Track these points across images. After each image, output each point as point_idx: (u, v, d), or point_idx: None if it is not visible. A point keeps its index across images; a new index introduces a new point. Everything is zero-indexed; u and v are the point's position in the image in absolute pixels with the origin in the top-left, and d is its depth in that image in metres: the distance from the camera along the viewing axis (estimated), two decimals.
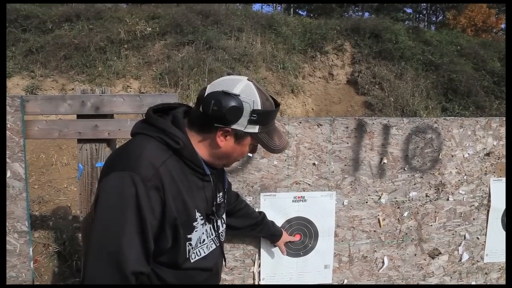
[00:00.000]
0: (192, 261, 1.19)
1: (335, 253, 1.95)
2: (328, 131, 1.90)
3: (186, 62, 6.79)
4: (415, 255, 2.05)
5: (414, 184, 2.00)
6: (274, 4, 27.99)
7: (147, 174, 1.02)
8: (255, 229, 1.71)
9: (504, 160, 2.13)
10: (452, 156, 2.04)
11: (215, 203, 1.24)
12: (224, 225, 1.38)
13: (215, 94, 1.08)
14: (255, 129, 1.13)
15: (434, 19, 33.97)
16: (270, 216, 1.81)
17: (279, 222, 1.86)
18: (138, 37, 7.60)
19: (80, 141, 2.16)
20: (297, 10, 28.68)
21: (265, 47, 7.70)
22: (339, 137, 1.91)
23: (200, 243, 1.21)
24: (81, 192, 2.20)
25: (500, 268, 2.18)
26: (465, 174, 2.08)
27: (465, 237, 2.12)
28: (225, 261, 1.42)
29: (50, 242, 3.44)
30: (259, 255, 1.89)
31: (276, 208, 1.87)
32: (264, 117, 1.13)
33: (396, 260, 2.03)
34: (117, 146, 1.88)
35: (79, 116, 2.17)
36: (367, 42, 8.13)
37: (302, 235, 1.91)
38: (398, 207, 1.99)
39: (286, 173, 1.89)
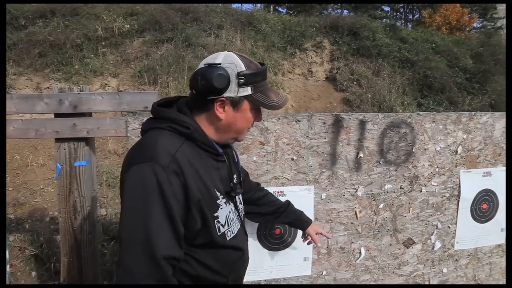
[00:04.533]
0: (228, 239, 1.23)
1: (314, 245, 2.00)
2: (306, 126, 1.93)
3: (165, 60, 6.74)
4: (391, 245, 2.13)
5: (389, 177, 2.07)
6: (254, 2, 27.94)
7: (165, 161, 1.06)
8: (280, 216, 1.69)
9: (473, 152, 2.23)
10: (425, 149, 2.13)
11: (232, 181, 1.29)
12: (242, 206, 1.41)
13: (200, 70, 1.15)
14: (247, 91, 1.16)
15: (411, 17, 34.58)
16: None
17: None
18: (116, 34, 7.49)
19: (58, 140, 2.14)
20: (277, 8, 28.70)
21: (244, 44, 7.72)
22: (316, 133, 1.95)
23: (231, 221, 1.25)
24: (59, 192, 2.18)
25: (468, 255, 2.29)
26: (437, 167, 2.16)
27: (437, 226, 2.22)
28: (247, 240, 1.42)
29: (26, 245, 3.37)
30: None
31: None
32: (252, 77, 1.16)
33: (373, 250, 2.10)
34: (96, 145, 1.88)
35: (57, 115, 2.15)
36: (346, 39, 8.25)
37: (282, 229, 1.96)
38: (374, 199, 2.06)
39: (265, 168, 1.92)
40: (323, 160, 1.99)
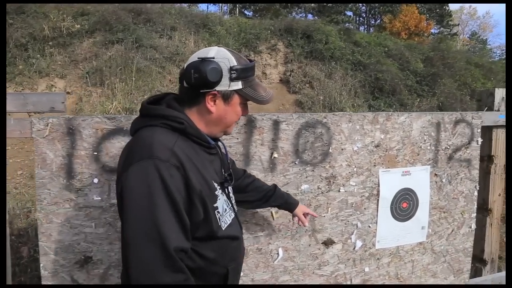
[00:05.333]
0: (223, 228, 1.24)
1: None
2: None
3: (114, 61, 6.57)
4: (310, 245, 2.13)
5: (306, 177, 2.07)
6: (220, 4, 27.93)
7: (165, 156, 1.07)
8: (268, 200, 1.73)
9: (392, 152, 2.28)
10: (342, 149, 2.15)
11: (225, 172, 1.33)
12: (232, 195, 1.43)
13: (193, 64, 1.17)
14: (238, 85, 1.19)
15: (373, 22, 35.66)
16: None
17: None
18: (64, 34, 7.22)
19: None
20: (243, 10, 28.78)
21: (198, 46, 7.65)
22: None
23: (225, 211, 1.27)
24: None
25: (390, 253, 2.33)
26: (355, 166, 2.19)
27: (357, 226, 2.24)
28: (241, 228, 1.44)
29: None
30: None
31: None
32: (243, 72, 1.19)
33: (291, 251, 2.09)
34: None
35: None
36: (299, 42, 8.36)
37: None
38: None
39: None
40: (236, 160, 1.97)
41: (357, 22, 36.42)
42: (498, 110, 2.68)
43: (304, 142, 2.04)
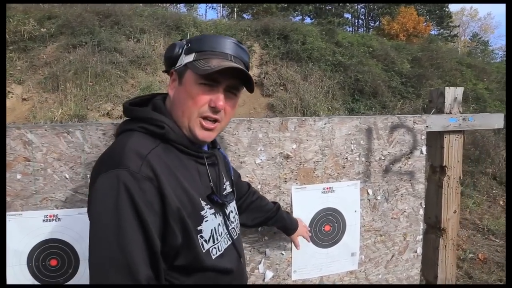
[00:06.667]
0: (213, 257, 1.03)
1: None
2: (80, 138, 1.57)
3: (72, 65, 6.21)
4: None
5: None
6: (219, 9, 27.86)
7: (135, 166, 0.90)
8: (266, 222, 1.58)
9: (308, 165, 1.89)
10: (241, 162, 1.75)
11: (222, 189, 1.12)
12: (237, 217, 1.24)
13: None
14: (190, 58, 0.99)
15: (372, 24, 35.51)
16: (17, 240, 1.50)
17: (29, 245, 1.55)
18: (26, 39, 6.87)
19: None
20: (241, 14, 28.56)
21: None
22: (94, 145, 1.58)
23: (219, 236, 1.07)
24: None
25: (311, 285, 1.94)
26: (259, 183, 1.80)
27: (265, 253, 1.85)
28: (242, 258, 1.20)
29: None
30: None
31: (23, 229, 1.55)
32: (199, 42, 1.00)
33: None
34: None
35: None
36: (276, 43, 7.99)
37: (59, 260, 1.58)
38: None
39: (33, 188, 1.55)
40: None
41: (356, 24, 36.28)
42: (450, 113, 2.28)
43: None
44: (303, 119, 1.85)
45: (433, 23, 29.55)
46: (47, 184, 1.55)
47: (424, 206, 2.15)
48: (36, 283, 1.57)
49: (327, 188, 1.93)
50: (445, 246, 2.33)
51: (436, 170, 2.31)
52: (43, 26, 7.31)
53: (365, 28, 34.28)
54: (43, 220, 1.55)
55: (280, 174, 1.83)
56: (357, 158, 1.96)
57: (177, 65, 1.02)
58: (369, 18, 36.27)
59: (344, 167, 1.95)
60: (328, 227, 1.95)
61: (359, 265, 2.02)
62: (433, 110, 2.24)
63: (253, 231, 1.81)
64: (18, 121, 5.40)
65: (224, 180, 1.17)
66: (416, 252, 2.15)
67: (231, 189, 1.19)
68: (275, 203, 1.63)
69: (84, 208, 1.57)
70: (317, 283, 1.96)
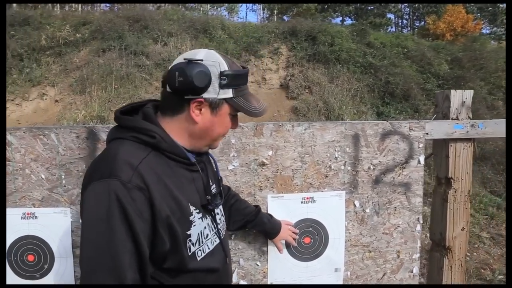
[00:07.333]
0: (198, 259, 1.09)
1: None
2: (55, 141, 1.63)
3: (100, 69, 6.43)
4: None
5: None
6: (259, 11, 28.08)
7: (126, 176, 0.93)
8: (246, 226, 1.58)
9: (286, 173, 1.77)
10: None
11: (210, 192, 1.15)
12: (223, 218, 1.30)
13: (178, 65, 1.01)
14: (229, 93, 1.04)
15: (417, 24, 34.25)
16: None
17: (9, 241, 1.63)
18: (61, 44, 7.21)
19: None
20: (281, 16, 28.55)
21: None
22: (68, 147, 1.63)
23: (205, 238, 1.12)
24: None
25: None
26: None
27: (239, 263, 1.76)
28: (228, 258, 1.26)
29: None
30: None
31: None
32: (235, 78, 1.04)
33: None
34: None
35: None
36: (303, 45, 7.81)
37: (36, 256, 1.66)
38: None
39: (13, 187, 1.65)
40: (78, 179, 1.62)
41: (400, 24, 35.15)
42: (457, 118, 2.07)
43: None
44: (280, 124, 1.74)
45: (484, 21, 27.90)
46: (25, 183, 1.63)
47: (421, 222, 1.96)
48: (16, 277, 1.65)
49: (307, 198, 1.80)
50: (451, 267, 2.11)
51: (441, 182, 2.10)
52: (78, 31, 7.63)
53: (409, 28, 33.09)
54: (21, 217, 1.64)
55: (255, 181, 1.73)
56: (342, 167, 1.82)
57: (209, 96, 1.03)
58: (414, 17, 34.94)
59: (327, 176, 1.82)
60: (308, 239, 1.82)
61: (344, 281, 1.88)
62: (435, 116, 2.04)
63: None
64: (50, 121, 5.68)
65: (211, 183, 1.20)
66: (412, 272, 1.97)
67: (217, 190, 1.22)
68: (256, 206, 1.61)
69: (59, 208, 1.66)
70: None
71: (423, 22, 31.73)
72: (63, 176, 1.63)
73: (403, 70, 7.85)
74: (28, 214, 1.65)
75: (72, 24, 7.87)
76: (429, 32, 23.12)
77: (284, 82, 7.51)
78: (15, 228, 1.64)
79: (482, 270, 3.64)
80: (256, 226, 1.60)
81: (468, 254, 3.98)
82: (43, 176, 1.63)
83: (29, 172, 1.63)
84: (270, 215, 1.66)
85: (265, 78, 7.57)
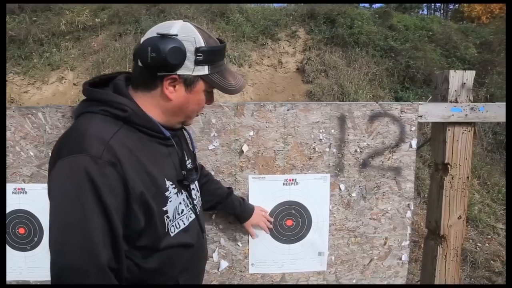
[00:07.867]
0: (172, 234, 1.07)
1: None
2: (42, 119, 1.68)
3: (116, 53, 6.51)
4: None
5: None
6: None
7: (97, 151, 0.90)
8: (216, 207, 1.57)
9: (268, 154, 1.74)
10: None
11: (185, 167, 1.14)
12: (198, 194, 1.29)
13: (150, 40, 0.98)
14: (204, 70, 1.03)
15: (451, 7, 32.70)
16: None
17: None
18: (80, 29, 7.34)
19: None
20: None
21: None
22: (55, 126, 1.67)
23: (178, 214, 1.10)
24: None
25: (272, 281, 1.81)
26: (213, 170, 1.69)
27: (220, 243, 1.76)
28: (204, 233, 1.27)
29: None
30: None
31: None
32: (211, 55, 1.02)
33: None
34: None
35: None
36: (322, 28, 7.60)
37: (27, 229, 1.74)
38: None
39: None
40: None
41: (433, 7, 33.73)
42: (456, 101, 1.96)
43: None
44: (261, 104, 1.70)
45: None
46: (16, 160, 1.69)
47: (412, 208, 1.89)
48: (10, 248, 1.73)
49: (290, 180, 1.77)
50: (445, 255, 2.03)
51: (438, 168, 2.01)
52: (97, 16, 7.74)
53: (442, 11, 31.71)
54: (13, 192, 1.70)
55: (236, 162, 1.71)
56: (327, 149, 1.77)
57: (183, 73, 1.01)
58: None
59: (311, 158, 1.77)
60: (290, 222, 1.79)
61: (328, 266, 1.84)
62: (430, 98, 1.94)
63: (207, 218, 1.72)
64: (67, 104, 5.83)
65: (186, 158, 1.18)
66: (401, 259, 1.91)
67: (192, 165, 1.20)
68: (229, 188, 1.61)
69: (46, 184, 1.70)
70: (278, 279, 1.82)
71: (457, 5, 30.27)
72: (49, 153, 1.67)
73: (426, 54, 7.53)
74: (19, 189, 1.71)
75: (91, 9, 7.99)
76: (463, 15, 22.01)
77: (300, 66, 7.38)
78: (8, 202, 1.71)
79: (492, 261, 3.49)
80: (226, 208, 1.58)
81: (479, 244, 3.84)
82: (31, 153, 1.69)
83: (19, 149, 1.68)
84: (242, 198, 1.65)
85: (282, 62, 7.45)
